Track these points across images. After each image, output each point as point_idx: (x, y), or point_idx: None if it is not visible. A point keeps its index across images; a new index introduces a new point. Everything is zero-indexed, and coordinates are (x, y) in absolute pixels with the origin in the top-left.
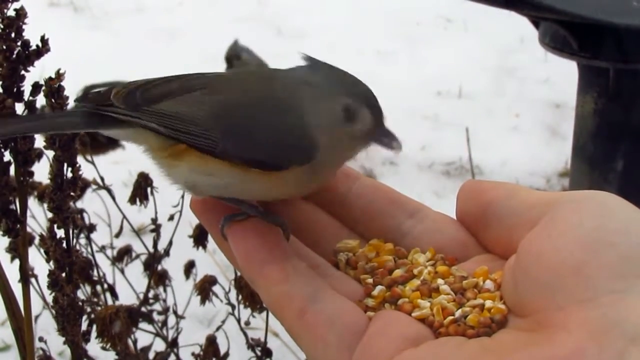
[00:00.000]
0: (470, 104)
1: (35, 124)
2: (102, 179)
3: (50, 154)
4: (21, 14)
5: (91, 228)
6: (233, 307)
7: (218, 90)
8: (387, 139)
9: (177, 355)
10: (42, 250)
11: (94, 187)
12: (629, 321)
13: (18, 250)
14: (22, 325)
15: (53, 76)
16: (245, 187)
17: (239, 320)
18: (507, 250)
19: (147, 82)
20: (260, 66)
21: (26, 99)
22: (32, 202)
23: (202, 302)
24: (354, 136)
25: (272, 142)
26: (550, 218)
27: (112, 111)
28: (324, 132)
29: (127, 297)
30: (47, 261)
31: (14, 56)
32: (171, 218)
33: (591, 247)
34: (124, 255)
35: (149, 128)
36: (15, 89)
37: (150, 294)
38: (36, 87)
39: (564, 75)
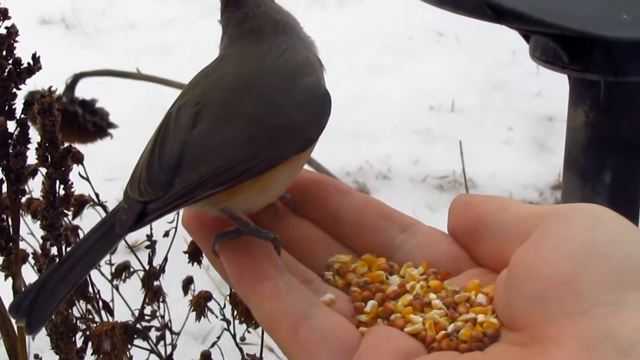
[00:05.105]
0: (462, 117)
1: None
2: (97, 195)
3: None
4: (12, 32)
5: None
6: (228, 322)
7: (227, 112)
8: None
9: None
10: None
11: (90, 203)
12: (621, 334)
13: (11, 268)
14: (15, 344)
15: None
16: (295, 175)
17: (234, 336)
18: (499, 263)
19: (150, 155)
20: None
21: (18, 116)
22: (30, 219)
23: (197, 318)
24: None
25: (315, 112)
26: (542, 231)
27: (157, 216)
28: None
29: (122, 314)
30: None
31: (6, 74)
32: (166, 234)
33: (582, 260)
34: (122, 271)
35: (208, 197)
36: (7, 107)
37: (146, 311)
38: (28, 105)
39: (555, 88)
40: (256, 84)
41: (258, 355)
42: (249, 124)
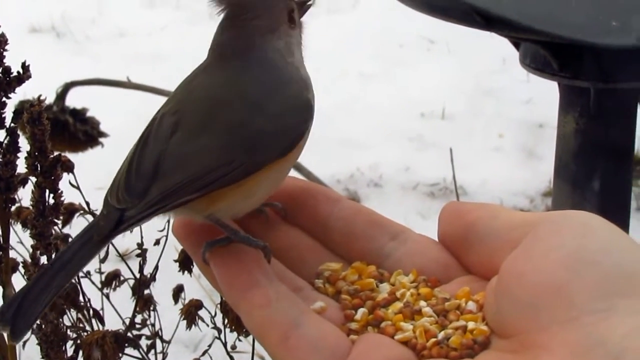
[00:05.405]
0: (453, 125)
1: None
2: (87, 203)
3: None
4: (2, 40)
5: None
6: (219, 331)
7: (204, 120)
8: None
9: None
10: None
11: (79, 212)
12: (611, 340)
13: (1, 277)
14: (5, 353)
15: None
16: (280, 179)
17: (225, 344)
18: (489, 271)
19: (129, 163)
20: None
21: (8, 125)
22: (20, 228)
23: (188, 326)
24: None
25: (296, 117)
26: (532, 239)
27: (134, 222)
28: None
29: (112, 323)
30: None
31: None
32: (157, 243)
33: (573, 267)
34: (112, 280)
35: (183, 204)
36: None
37: (137, 319)
38: (18, 114)
39: (546, 95)
40: (233, 91)
41: None
42: (223, 132)
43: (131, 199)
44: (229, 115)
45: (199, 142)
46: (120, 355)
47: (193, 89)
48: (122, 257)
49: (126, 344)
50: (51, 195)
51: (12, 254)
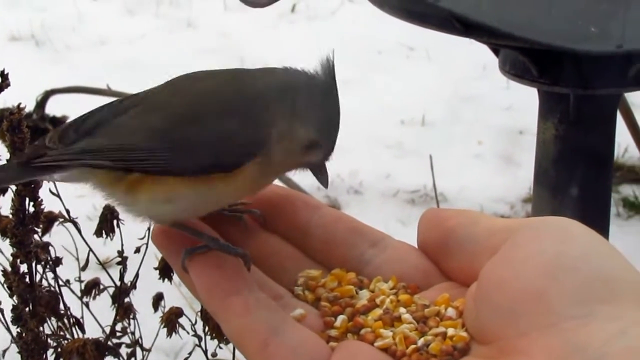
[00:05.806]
0: (433, 132)
1: None
2: (67, 211)
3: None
4: None
5: (57, 262)
6: (200, 338)
7: (156, 106)
8: (321, 175)
9: None
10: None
11: (59, 220)
12: (591, 346)
13: None
14: None
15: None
16: (209, 199)
17: (205, 352)
18: (468, 277)
19: (78, 117)
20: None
21: None
22: (0, 237)
23: (169, 334)
24: (300, 162)
25: (226, 142)
26: (511, 245)
27: (48, 160)
28: (278, 142)
29: (93, 331)
30: (11, 296)
31: None
32: (137, 250)
33: (552, 273)
34: (91, 288)
35: (94, 166)
36: None
37: (117, 327)
38: None
39: (526, 102)
40: (211, 89)
41: None
42: (163, 119)
43: (60, 143)
44: (185, 107)
45: (139, 120)
46: None
47: (176, 80)
48: (103, 265)
49: (106, 352)
50: (31, 203)
51: None
